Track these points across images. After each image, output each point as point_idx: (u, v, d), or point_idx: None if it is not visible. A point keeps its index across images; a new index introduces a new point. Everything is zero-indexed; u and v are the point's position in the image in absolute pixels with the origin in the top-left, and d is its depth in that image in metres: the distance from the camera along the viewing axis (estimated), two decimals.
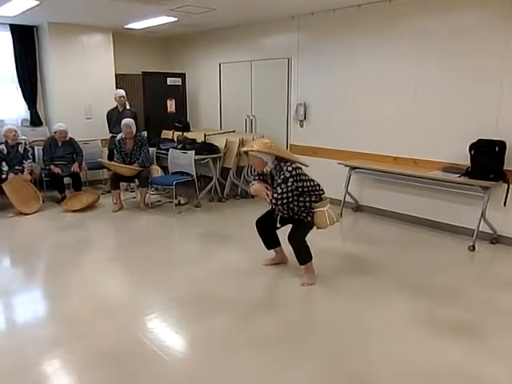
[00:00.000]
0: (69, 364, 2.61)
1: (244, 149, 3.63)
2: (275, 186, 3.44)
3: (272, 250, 3.95)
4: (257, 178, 3.69)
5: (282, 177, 3.40)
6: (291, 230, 3.62)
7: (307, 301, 3.40)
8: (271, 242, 3.89)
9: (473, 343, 2.79)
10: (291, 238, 3.57)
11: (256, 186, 3.59)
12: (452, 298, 3.39)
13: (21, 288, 3.69)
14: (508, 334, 2.91)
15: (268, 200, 3.47)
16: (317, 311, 3.26)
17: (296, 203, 3.50)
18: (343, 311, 3.20)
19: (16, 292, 3.59)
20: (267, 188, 3.53)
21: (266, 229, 3.81)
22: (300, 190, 3.45)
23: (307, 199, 3.53)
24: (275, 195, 3.38)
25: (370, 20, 5.29)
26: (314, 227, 3.63)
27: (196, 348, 2.79)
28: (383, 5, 5.11)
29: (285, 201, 3.39)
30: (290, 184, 3.37)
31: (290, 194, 3.38)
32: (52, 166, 6.00)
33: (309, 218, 3.57)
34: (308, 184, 3.49)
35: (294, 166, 3.44)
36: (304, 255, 3.60)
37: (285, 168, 3.41)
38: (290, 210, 3.58)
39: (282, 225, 3.74)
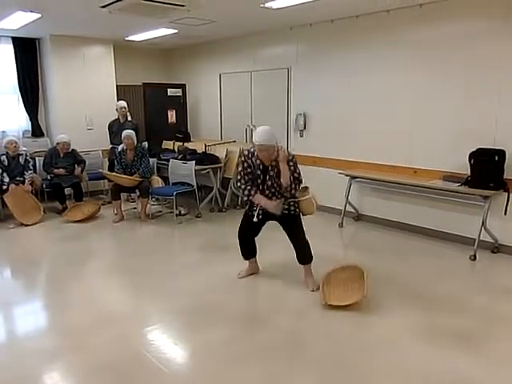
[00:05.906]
0: (69, 376, 2.60)
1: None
2: (292, 172, 3.44)
3: (247, 262, 3.96)
4: (248, 184, 3.55)
5: (293, 160, 3.46)
6: (291, 228, 3.64)
7: (307, 311, 3.38)
8: (250, 251, 3.92)
9: (474, 352, 2.77)
10: (298, 237, 3.62)
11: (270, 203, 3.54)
12: (453, 308, 3.38)
13: (21, 299, 3.68)
14: (509, 343, 2.90)
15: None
16: (317, 321, 3.24)
17: None
18: (344, 321, 3.19)
19: (17, 303, 3.59)
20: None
21: (248, 237, 3.81)
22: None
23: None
24: (298, 180, 3.48)
25: (369, 31, 5.33)
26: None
27: (196, 360, 2.78)
28: (381, 15, 5.15)
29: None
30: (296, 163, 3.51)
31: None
32: (55, 170, 6.10)
33: (297, 210, 3.64)
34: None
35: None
36: (309, 253, 3.67)
37: (288, 155, 3.46)
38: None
39: (261, 222, 3.66)
